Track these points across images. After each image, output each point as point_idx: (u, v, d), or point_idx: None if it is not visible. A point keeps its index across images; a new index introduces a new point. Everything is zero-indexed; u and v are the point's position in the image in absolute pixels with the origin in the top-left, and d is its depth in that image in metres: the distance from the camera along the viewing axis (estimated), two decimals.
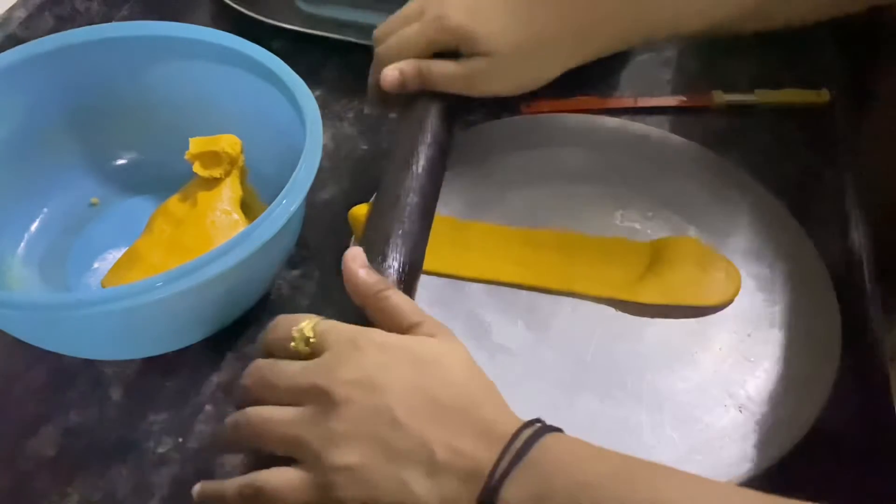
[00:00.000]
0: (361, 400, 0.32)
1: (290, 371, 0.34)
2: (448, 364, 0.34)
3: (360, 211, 0.48)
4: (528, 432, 0.31)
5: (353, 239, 0.49)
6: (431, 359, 0.34)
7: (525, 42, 0.47)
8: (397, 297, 0.36)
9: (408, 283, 0.42)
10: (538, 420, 0.33)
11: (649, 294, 0.46)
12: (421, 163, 0.46)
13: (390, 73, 0.47)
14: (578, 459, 0.31)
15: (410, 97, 0.49)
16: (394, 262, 0.41)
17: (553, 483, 0.30)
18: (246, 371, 0.36)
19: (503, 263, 0.48)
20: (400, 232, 0.42)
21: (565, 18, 0.47)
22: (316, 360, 0.34)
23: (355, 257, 0.38)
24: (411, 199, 0.44)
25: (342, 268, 0.38)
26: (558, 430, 0.33)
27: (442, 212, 0.50)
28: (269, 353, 0.36)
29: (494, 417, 0.33)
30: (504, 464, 0.30)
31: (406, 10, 0.50)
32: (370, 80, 0.51)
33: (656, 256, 0.48)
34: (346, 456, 0.31)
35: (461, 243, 0.49)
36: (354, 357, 0.33)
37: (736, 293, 0.46)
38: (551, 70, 0.48)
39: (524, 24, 0.46)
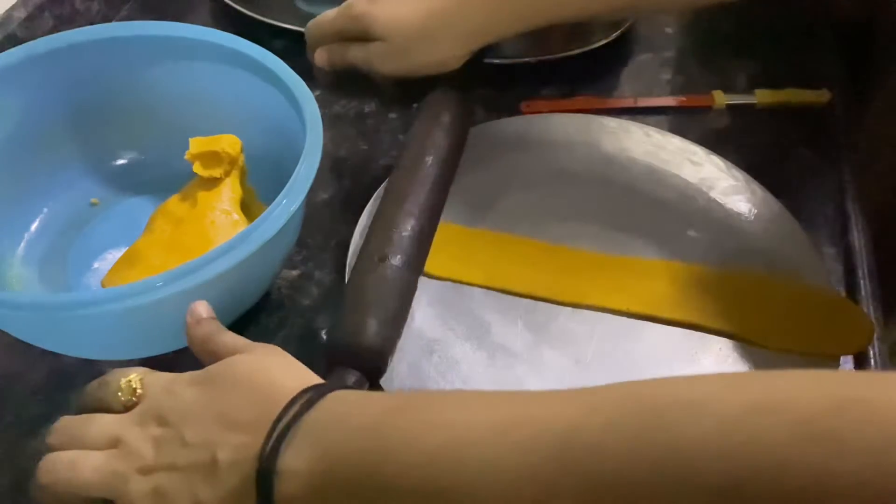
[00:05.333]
0: (160, 436, 0.32)
1: (102, 422, 0.34)
2: (240, 367, 0.34)
3: None
4: (307, 396, 0.31)
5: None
6: (223, 371, 0.34)
7: (418, 23, 0.49)
8: (223, 336, 0.36)
9: (408, 280, 0.42)
10: (327, 385, 0.32)
11: (769, 338, 0.44)
12: (433, 157, 0.47)
13: (320, 54, 0.53)
14: (358, 407, 0.30)
15: (425, 88, 0.52)
16: (396, 258, 0.42)
17: (331, 436, 0.29)
18: (50, 431, 0.35)
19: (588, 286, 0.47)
20: (408, 228, 0.43)
21: (458, 7, 0.48)
22: (135, 409, 0.34)
23: (192, 312, 0.38)
24: (421, 194, 0.45)
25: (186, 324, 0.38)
26: (348, 388, 0.32)
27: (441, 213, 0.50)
28: (91, 407, 0.36)
29: (275, 390, 0.32)
30: (278, 430, 0.30)
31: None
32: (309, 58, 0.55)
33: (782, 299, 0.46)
34: (144, 484, 0.31)
35: (507, 258, 0.49)
36: (161, 400, 0.34)
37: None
38: (450, 50, 0.50)
39: (418, 6, 0.49)
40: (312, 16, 0.66)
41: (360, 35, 0.50)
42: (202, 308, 0.38)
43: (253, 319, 0.49)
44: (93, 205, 0.54)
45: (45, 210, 0.53)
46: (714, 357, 0.44)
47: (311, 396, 0.31)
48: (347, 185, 0.58)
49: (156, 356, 0.47)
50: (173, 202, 0.49)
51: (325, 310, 0.50)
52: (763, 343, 0.44)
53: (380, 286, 0.41)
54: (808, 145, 0.60)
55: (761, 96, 0.62)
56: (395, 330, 0.41)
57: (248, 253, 0.39)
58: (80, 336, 0.43)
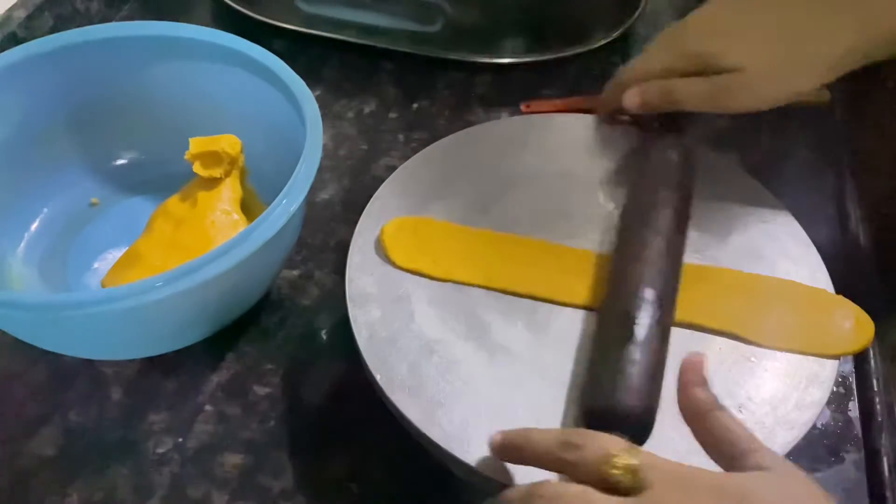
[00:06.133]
0: None
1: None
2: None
3: (391, 228, 0.48)
4: None
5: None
6: (769, 499, 0.29)
7: (775, 48, 0.44)
8: (728, 420, 0.33)
9: (660, 342, 0.41)
10: None
11: (769, 337, 0.44)
12: (669, 212, 0.45)
13: (631, 95, 0.48)
14: None
15: (646, 139, 0.49)
16: (645, 321, 0.40)
17: None
18: (535, 490, 0.31)
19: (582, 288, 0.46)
20: (651, 288, 0.41)
21: (824, 27, 0.43)
22: (635, 498, 0.30)
23: (694, 369, 0.34)
24: (659, 251, 0.43)
25: (679, 378, 0.35)
26: None
27: (441, 213, 0.50)
28: (546, 463, 0.32)
29: None
30: None
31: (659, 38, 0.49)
32: (604, 94, 0.50)
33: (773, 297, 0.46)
34: None
35: (504, 258, 0.48)
36: (683, 502, 0.29)
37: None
38: (808, 82, 0.45)
39: (770, 25, 0.44)
40: (313, 16, 0.65)
41: (699, 69, 0.45)
42: (704, 366, 0.35)
43: (253, 319, 0.49)
44: (93, 205, 0.54)
45: (45, 210, 0.53)
46: (714, 357, 0.44)
47: None
48: (347, 185, 0.58)
49: (156, 356, 0.47)
50: (173, 202, 0.49)
51: (325, 310, 0.50)
52: (763, 343, 0.44)
53: (634, 344, 0.39)
54: (808, 145, 0.60)
55: None
56: (656, 386, 0.39)
57: (248, 253, 0.39)
58: (80, 336, 0.43)
